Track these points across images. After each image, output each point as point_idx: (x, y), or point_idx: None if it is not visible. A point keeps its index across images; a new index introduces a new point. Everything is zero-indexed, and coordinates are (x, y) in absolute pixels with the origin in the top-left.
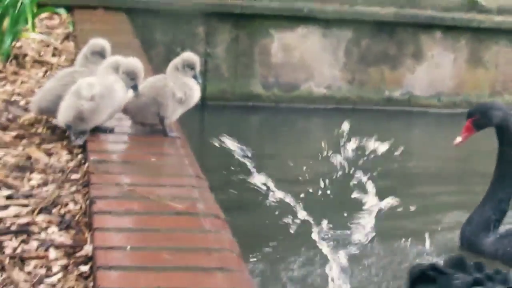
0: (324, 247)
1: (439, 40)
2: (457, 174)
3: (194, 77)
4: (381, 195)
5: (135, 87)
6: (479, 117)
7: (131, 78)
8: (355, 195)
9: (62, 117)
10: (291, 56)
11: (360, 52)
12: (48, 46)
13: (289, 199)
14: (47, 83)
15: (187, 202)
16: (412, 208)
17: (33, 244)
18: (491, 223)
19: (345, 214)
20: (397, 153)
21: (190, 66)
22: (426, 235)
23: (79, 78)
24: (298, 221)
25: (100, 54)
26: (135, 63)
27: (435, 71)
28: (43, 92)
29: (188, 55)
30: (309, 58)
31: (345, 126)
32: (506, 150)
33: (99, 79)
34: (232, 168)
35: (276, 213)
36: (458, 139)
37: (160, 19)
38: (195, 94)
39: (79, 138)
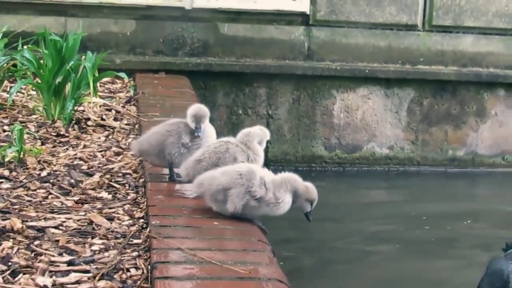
0: None
1: (502, 98)
2: None
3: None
4: None
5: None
6: None
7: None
8: None
9: None
10: (353, 116)
11: (422, 111)
12: (110, 110)
13: None
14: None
15: (250, 267)
16: None
17: None
18: None
19: None
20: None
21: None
22: None
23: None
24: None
25: None
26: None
27: (499, 129)
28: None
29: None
30: (371, 119)
31: None
32: None
33: None
34: (293, 231)
35: (336, 275)
36: None
37: (221, 81)
38: (260, 158)
39: None
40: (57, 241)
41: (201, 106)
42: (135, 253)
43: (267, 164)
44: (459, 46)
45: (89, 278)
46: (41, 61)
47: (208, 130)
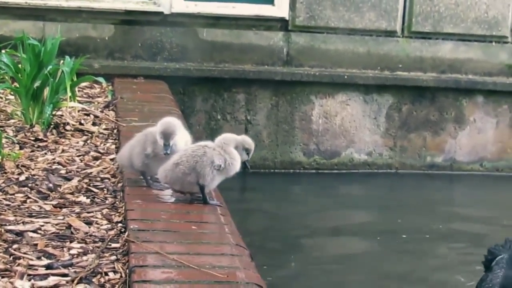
0: None
1: (481, 104)
2: None
3: (245, 162)
4: None
5: (166, 147)
6: None
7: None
8: None
9: None
10: (332, 122)
11: (401, 117)
12: (88, 114)
13: None
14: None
15: (228, 271)
16: None
17: None
18: None
19: None
20: None
21: (247, 151)
22: None
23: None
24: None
25: None
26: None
27: (478, 136)
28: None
29: (250, 141)
30: (350, 125)
31: None
32: None
33: None
34: (272, 234)
35: (315, 277)
36: None
37: (200, 86)
38: (236, 163)
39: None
40: (36, 245)
41: (170, 121)
42: (113, 257)
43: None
44: (438, 53)
45: (67, 282)
46: (19, 66)
47: (179, 144)
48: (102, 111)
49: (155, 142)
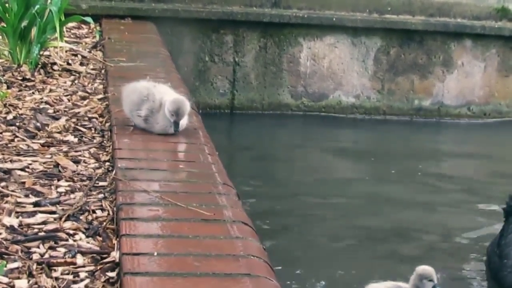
0: None
1: (469, 48)
2: None
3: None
4: None
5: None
6: None
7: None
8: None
9: None
10: (320, 65)
11: (389, 61)
12: (76, 55)
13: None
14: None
15: (215, 209)
16: None
17: (61, 250)
18: None
19: None
20: None
21: (427, 278)
22: None
23: None
24: (326, 227)
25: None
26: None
27: (465, 80)
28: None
29: (424, 269)
30: (338, 67)
31: None
32: None
33: None
34: (260, 176)
35: (304, 220)
36: None
37: (188, 27)
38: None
39: None
40: (23, 183)
41: (185, 101)
42: (100, 195)
43: (232, 110)
44: None
45: (55, 219)
46: (6, 5)
47: (184, 124)
48: (89, 52)
49: (151, 110)
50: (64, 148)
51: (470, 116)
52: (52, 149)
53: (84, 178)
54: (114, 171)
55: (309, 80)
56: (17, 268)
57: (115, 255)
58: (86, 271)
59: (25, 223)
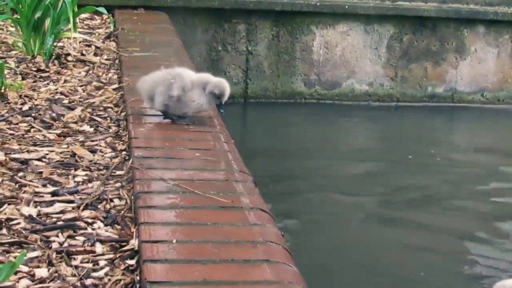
0: None
1: (482, 34)
2: None
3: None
4: None
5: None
6: None
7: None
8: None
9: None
10: (333, 53)
11: (402, 48)
12: (89, 45)
13: None
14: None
15: (232, 196)
16: None
17: (80, 239)
18: None
19: None
20: None
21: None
22: None
23: None
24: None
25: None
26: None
27: (478, 66)
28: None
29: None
30: (351, 55)
31: None
32: None
33: None
34: (274, 165)
35: (320, 202)
36: None
37: (200, 17)
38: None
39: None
40: (41, 172)
41: (227, 82)
42: (118, 184)
43: (246, 99)
44: None
45: (73, 208)
46: None
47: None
48: (103, 42)
49: (183, 88)
50: (80, 138)
51: (484, 102)
52: (68, 139)
53: (101, 167)
54: (130, 160)
55: (322, 68)
56: (37, 257)
57: (134, 243)
58: (106, 259)
59: (43, 212)
